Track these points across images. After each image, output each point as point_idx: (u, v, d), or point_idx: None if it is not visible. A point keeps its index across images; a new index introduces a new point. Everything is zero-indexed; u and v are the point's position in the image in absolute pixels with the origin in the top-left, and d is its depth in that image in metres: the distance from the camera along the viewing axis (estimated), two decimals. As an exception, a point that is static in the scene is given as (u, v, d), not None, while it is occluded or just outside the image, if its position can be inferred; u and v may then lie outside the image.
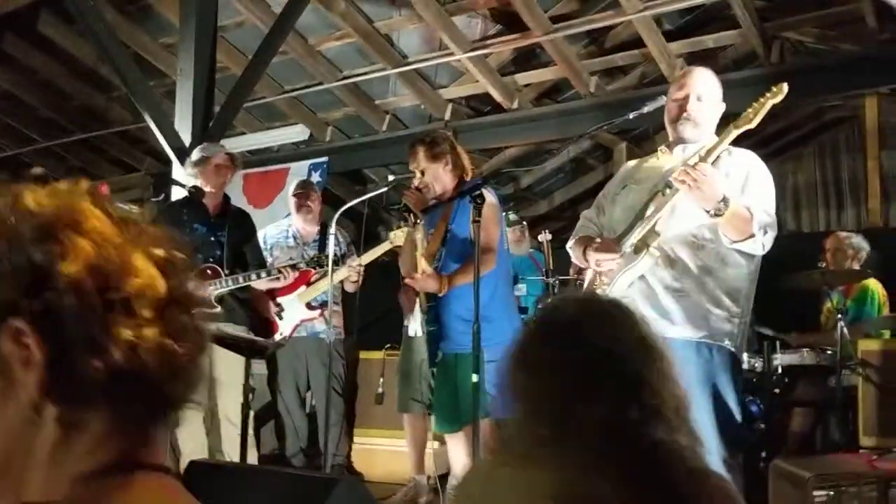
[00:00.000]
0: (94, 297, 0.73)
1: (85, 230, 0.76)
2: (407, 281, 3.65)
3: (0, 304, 0.73)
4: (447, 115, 7.18)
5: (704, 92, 2.89)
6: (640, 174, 3.00)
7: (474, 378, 2.91)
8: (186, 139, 5.30)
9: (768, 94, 2.69)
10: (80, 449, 0.75)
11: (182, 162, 5.04)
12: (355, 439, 5.12)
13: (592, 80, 6.59)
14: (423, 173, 3.67)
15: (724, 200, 2.58)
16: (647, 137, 8.04)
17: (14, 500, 0.76)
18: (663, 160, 2.94)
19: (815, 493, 2.03)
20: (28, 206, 0.78)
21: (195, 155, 4.47)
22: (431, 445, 4.29)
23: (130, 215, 0.82)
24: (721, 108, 2.96)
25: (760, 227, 2.62)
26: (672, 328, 2.66)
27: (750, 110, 2.69)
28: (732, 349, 2.73)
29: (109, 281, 0.74)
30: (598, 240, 2.90)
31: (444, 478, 4.31)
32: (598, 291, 2.83)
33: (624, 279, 2.80)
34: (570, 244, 3.08)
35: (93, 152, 9.41)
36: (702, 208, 2.64)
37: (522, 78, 6.91)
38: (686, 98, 2.87)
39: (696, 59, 6.42)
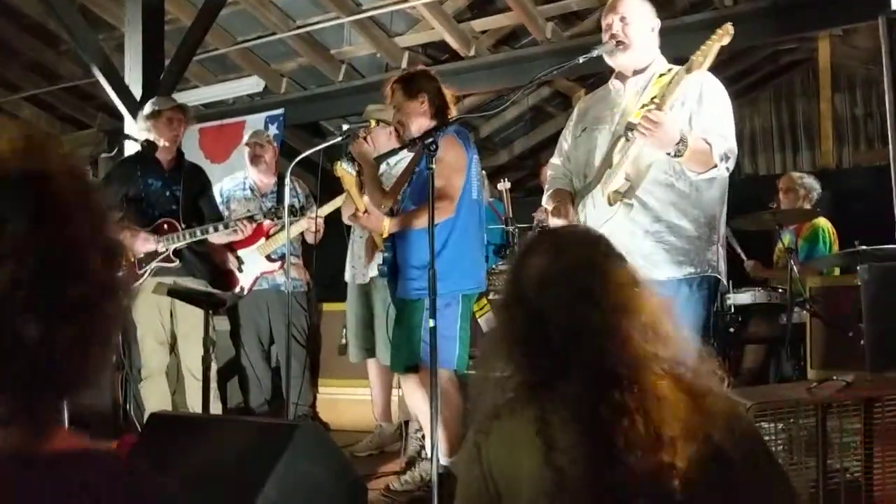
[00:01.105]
0: None
1: None
2: (347, 219, 3.61)
3: None
4: (404, 64, 7.11)
5: (630, 12, 2.89)
6: (598, 113, 3.01)
7: (430, 323, 2.92)
8: (137, 93, 5.21)
9: (714, 37, 2.68)
10: None
11: (134, 116, 4.97)
12: (320, 390, 5.17)
13: (549, 26, 6.57)
14: (397, 110, 3.55)
15: (682, 141, 2.62)
16: (604, 83, 8.05)
17: None
18: (616, 96, 2.97)
19: (757, 421, 2.12)
20: None
21: (146, 109, 4.42)
22: (397, 393, 4.33)
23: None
24: (655, 25, 2.96)
25: (721, 156, 2.68)
26: (657, 270, 2.72)
27: (698, 53, 2.69)
28: (717, 276, 2.84)
29: None
30: (552, 205, 2.95)
31: (407, 424, 4.38)
32: None
33: (604, 231, 2.84)
34: (544, 199, 3.13)
35: (44, 109, 9.20)
36: (662, 151, 2.69)
37: (479, 24, 6.86)
38: (612, 24, 2.90)
39: (651, 3, 6.42)
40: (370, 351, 4.31)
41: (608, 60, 2.99)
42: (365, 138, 3.70)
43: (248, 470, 2.67)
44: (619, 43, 2.89)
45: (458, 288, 3.40)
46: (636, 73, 2.95)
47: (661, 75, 2.85)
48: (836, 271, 4.91)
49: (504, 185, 5.72)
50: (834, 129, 7.82)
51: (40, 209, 0.78)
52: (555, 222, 2.93)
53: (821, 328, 4.33)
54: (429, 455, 3.51)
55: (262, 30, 7.16)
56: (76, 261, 0.79)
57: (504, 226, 5.44)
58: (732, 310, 4.77)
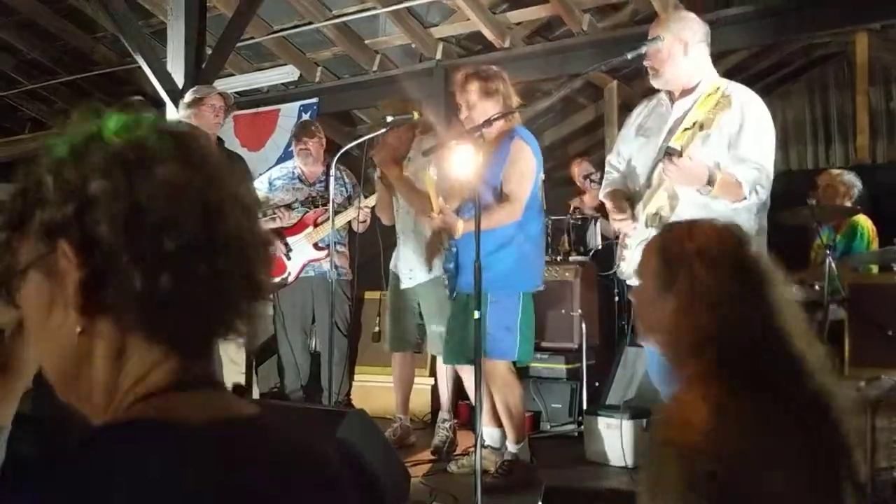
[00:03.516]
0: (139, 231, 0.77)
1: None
2: (424, 219, 3.68)
3: (54, 225, 0.79)
4: (438, 55, 7.13)
5: (667, 41, 2.96)
6: (650, 124, 3.12)
7: (476, 315, 2.99)
8: (179, 81, 5.27)
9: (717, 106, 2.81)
10: (132, 369, 0.79)
11: (176, 104, 5.03)
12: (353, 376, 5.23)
13: (585, 18, 6.55)
14: (468, 106, 3.57)
15: (710, 180, 2.78)
16: (638, 76, 8.02)
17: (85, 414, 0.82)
18: (666, 112, 3.07)
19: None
20: (103, 137, 0.82)
21: (188, 97, 4.46)
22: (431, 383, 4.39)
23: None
24: (700, 47, 3.00)
25: (751, 189, 2.82)
26: None
27: (727, 99, 2.79)
28: None
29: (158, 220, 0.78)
30: (617, 212, 3.07)
31: (436, 414, 4.44)
32: (621, 260, 3.10)
33: (639, 251, 2.95)
34: (601, 195, 3.27)
35: (79, 94, 9.29)
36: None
37: (514, 16, 6.85)
38: (646, 54, 3.01)
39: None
40: (405, 344, 4.36)
41: (653, 83, 3.09)
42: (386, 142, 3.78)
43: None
44: (651, 69, 3.01)
45: (520, 286, 3.57)
46: (684, 92, 3.02)
47: (708, 95, 2.88)
48: (875, 269, 4.89)
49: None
50: (870, 123, 7.74)
51: (189, 156, 0.81)
52: (618, 219, 3.05)
53: (858, 326, 4.32)
54: (486, 442, 3.62)
55: (298, 18, 7.19)
56: (222, 202, 0.81)
57: (538, 217, 5.44)
58: (768, 306, 4.76)
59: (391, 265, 4.40)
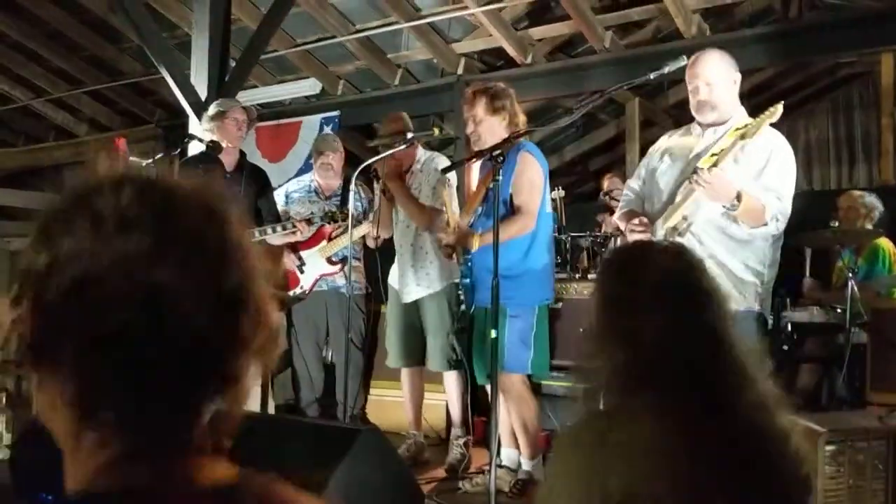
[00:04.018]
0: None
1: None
2: (440, 235, 3.68)
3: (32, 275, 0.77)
4: (460, 70, 7.15)
5: (713, 77, 3.12)
6: (676, 150, 3.22)
7: (493, 333, 2.98)
8: (203, 93, 5.31)
9: (766, 114, 2.94)
10: (93, 442, 0.76)
11: (199, 116, 5.06)
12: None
13: (607, 35, 6.54)
14: (474, 121, 3.61)
15: (738, 197, 2.86)
16: (660, 93, 8.01)
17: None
18: (696, 141, 3.17)
19: (827, 447, 2.11)
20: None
21: (212, 109, 4.48)
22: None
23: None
24: (736, 81, 3.17)
25: (773, 216, 2.92)
26: None
27: (752, 125, 2.96)
28: (761, 311, 3.01)
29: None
30: (636, 220, 3.14)
31: (450, 431, 4.42)
32: None
33: None
34: (616, 216, 3.37)
35: (103, 104, 9.40)
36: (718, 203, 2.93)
37: (537, 32, 6.86)
38: (697, 88, 3.12)
39: (711, 14, 6.37)
40: (411, 360, 4.35)
41: (697, 116, 3.19)
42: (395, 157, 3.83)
43: (307, 473, 2.71)
44: (704, 104, 3.11)
45: (536, 298, 3.57)
46: (716, 123, 3.14)
47: (736, 129, 3.03)
48: (896, 292, 4.82)
49: (558, 193, 5.71)
50: (893, 144, 7.66)
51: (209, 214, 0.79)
52: (638, 231, 3.11)
53: (880, 350, 4.26)
54: (502, 461, 3.60)
55: (321, 32, 7.24)
56: (237, 253, 0.79)
57: (557, 234, 5.43)
58: (789, 328, 4.72)
59: (389, 280, 4.39)
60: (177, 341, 0.74)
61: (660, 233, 3.06)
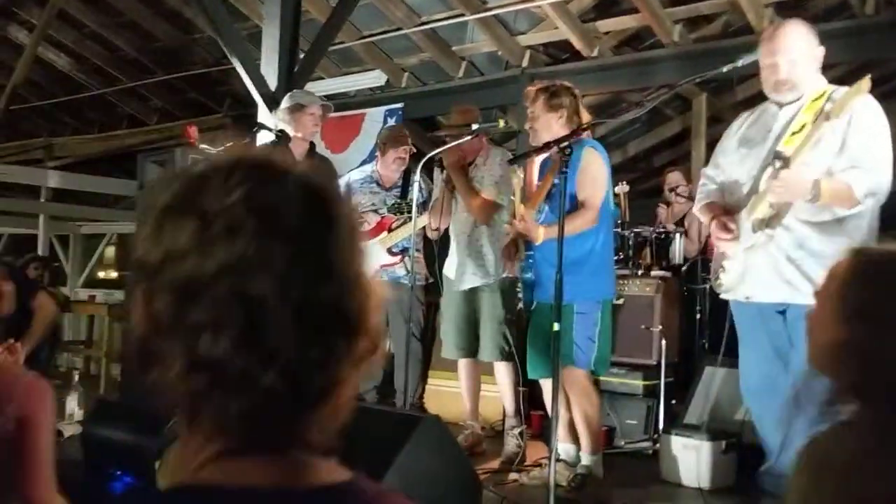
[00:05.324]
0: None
1: None
2: (506, 226, 3.73)
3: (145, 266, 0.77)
4: (525, 62, 7.12)
5: (796, 52, 2.91)
6: (752, 134, 3.07)
7: (556, 327, 2.99)
8: (272, 84, 5.40)
9: (852, 89, 2.72)
10: (200, 437, 0.77)
11: (269, 106, 5.16)
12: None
13: (676, 29, 6.45)
14: (532, 118, 3.67)
15: (816, 188, 2.69)
16: (728, 89, 7.86)
17: None
18: (772, 119, 3.00)
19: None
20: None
21: (288, 101, 4.52)
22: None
23: None
24: (818, 54, 2.96)
25: (865, 193, 2.71)
26: (798, 296, 2.76)
27: (836, 105, 2.72)
28: None
29: None
30: (724, 218, 3.01)
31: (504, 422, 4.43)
32: (720, 272, 3.08)
33: (744, 257, 2.99)
34: (696, 208, 3.27)
35: (174, 93, 9.64)
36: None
37: (603, 25, 6.80)
38: (777, 65, 2.91)
39: (784, 8, 6.22)
40: (466, 351, 4.37)
41: (772, 96, 3.02)
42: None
43: (369, 459, 2.75)
44: (783, 83, 2.92)
45: (600, 294, 3.59)
46: (795, 101, 2.97)
47: (814, 100, 2.86)
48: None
49: (622, 188, 5.66)
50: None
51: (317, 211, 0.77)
52: (723, 239, 3.01)
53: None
54: (561, 455, 3.61)
55: (387, 24, 7.29)
56: (343, 257, 0.77)
57: (619, 229, 5.38)
58: None
59: (444, 270, 4.42)
60: (277, 354, 0.73)
61: (746, 224, 2.95)
